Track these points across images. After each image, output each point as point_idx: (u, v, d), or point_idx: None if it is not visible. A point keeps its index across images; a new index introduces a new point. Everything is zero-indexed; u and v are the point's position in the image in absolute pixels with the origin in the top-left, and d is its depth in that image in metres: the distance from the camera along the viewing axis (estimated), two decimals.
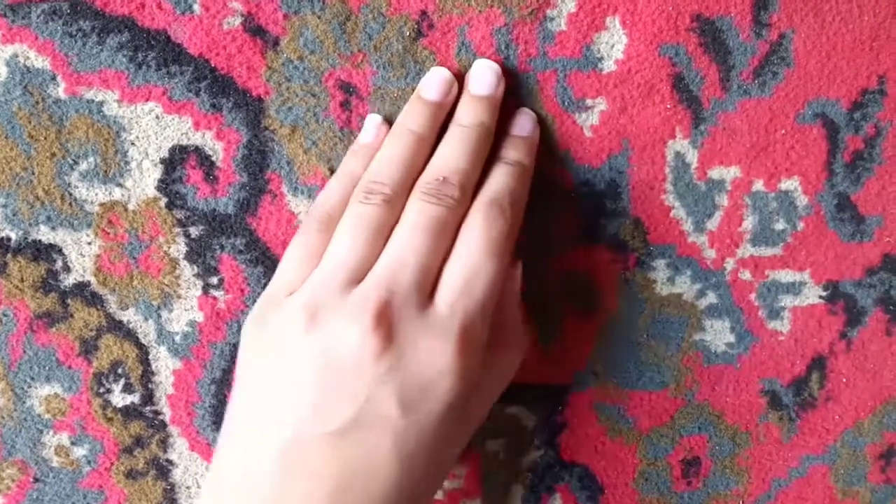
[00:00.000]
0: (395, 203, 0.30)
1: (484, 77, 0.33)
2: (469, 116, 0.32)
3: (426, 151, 0.32)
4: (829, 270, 0.37)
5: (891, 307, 0.38)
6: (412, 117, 0.32)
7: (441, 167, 0.31)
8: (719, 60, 0.34)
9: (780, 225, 0.36)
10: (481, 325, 0.29)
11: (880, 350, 0.38)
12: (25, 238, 0.34)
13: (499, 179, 0.32)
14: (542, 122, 0.34)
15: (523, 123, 0.33)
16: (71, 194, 0.34)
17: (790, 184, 0.36)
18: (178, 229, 0.34)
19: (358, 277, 0.29)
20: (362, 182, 0.31)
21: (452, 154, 0.31)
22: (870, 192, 0.36)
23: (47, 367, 0.36)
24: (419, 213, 0.30)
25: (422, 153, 0.32)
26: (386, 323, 0.28)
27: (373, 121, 0.33)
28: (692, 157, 0.35)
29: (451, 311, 0.29)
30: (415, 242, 0.29)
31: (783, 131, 0.35)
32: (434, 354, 0.28)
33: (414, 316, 0.28)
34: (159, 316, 0.35)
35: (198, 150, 0.34)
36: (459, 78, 0.33)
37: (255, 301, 0.34)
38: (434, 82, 0.32)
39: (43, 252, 0.34)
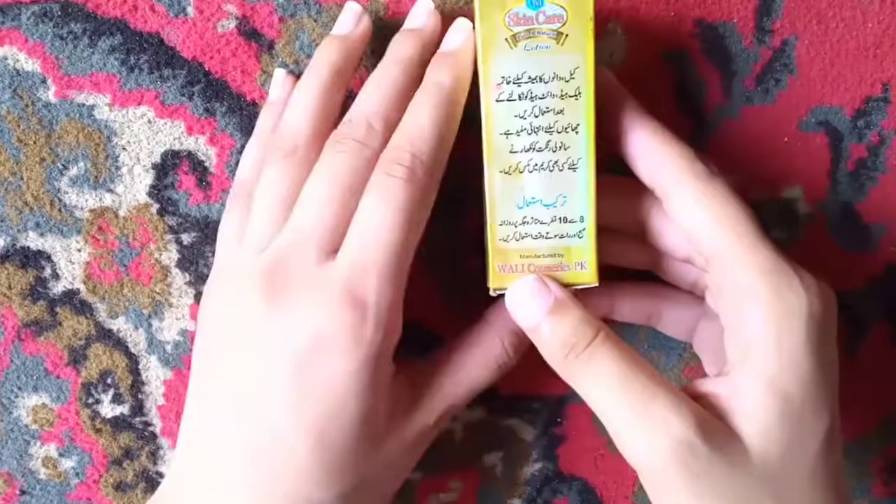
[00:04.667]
0: (305, 157, 0.29)
1: (416, 12, 0.31)
2: (393, 51, 0.30)
3: (340, 92, 0.30)
4: (832, 280, 0.37)
5: (895, 318, 0.37)
6: (320, 57, 0.30)
7: (356, 107, 0.30)
8: (722, 67, 0.33)
9: (782, 234, 0.36)
10: (377, 285, 0.28)
11: (885, 362, 0.38)
12: (13, 245, 0.33)
13: (412, 118, 0.29)
14: None
15: (449, 38, 0.30)
16: (60, 200, 0.33)
17: (792, 192, 0.35)
18: (169, 236, 0.34)
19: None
20: (270, 141, 0.30)
21: (369, 91, 0.30)
22: (873, 200, 0.36)
23: (35, 377, 0.35)
24: (320, 165, 0.29)
25: (331, 96, 0.30)
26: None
27: (280, 74, 0.32)
28: None
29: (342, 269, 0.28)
30: (320, 194, 0.28)
31: (786, 139, 0.35)
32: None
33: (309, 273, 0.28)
34: (150, 325, 0.35)
35: (190, 155, 0.33)
36: None
37: None
38: (343, 17, 0.31)
39: (31, 259, 0.34)
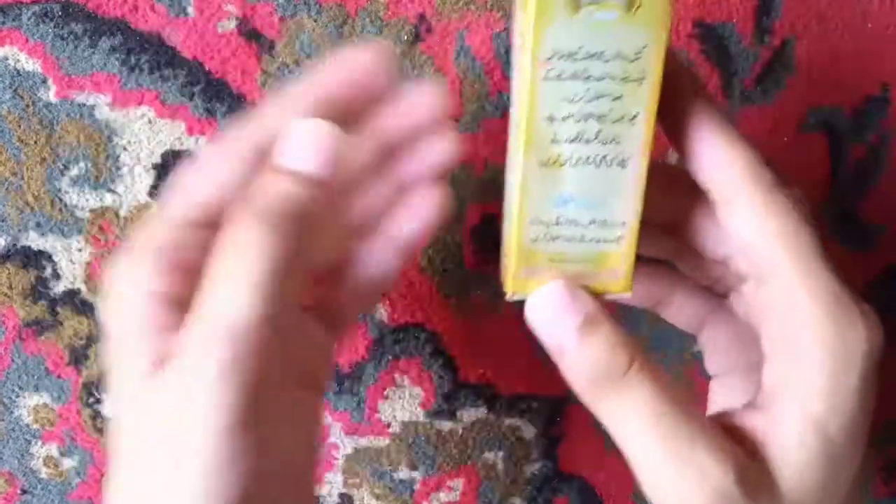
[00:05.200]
0: None
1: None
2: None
3: None
4: None
5: (894, 318, 0.37)
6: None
7: None
8: (721, 67, 0.33)
9: None
10: None
11: (884, 362, 0.38)
12: (14, 244, 0.34)
13: None
14: None
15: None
16: (61, 200, 0.33)
17: (791, 193, 0.35)
18: None
19: None
20: None
21: None
22: (873, 200, 0.36)
23: (36, 377, 0.35)
24: None
25: None
26: None
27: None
28: None
29: None
30: None
31: (785, 139, 0.35)
32: None
33: None
34: None
35: (191, 155, 0.33)
36: (457, 83, 0.33)
37: None
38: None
39: (32, 259, 0.34)
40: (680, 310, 0.31)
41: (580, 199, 0.25)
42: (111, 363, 0.25)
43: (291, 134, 0.25)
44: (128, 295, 0.25)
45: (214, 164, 0.26)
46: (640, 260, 0.30)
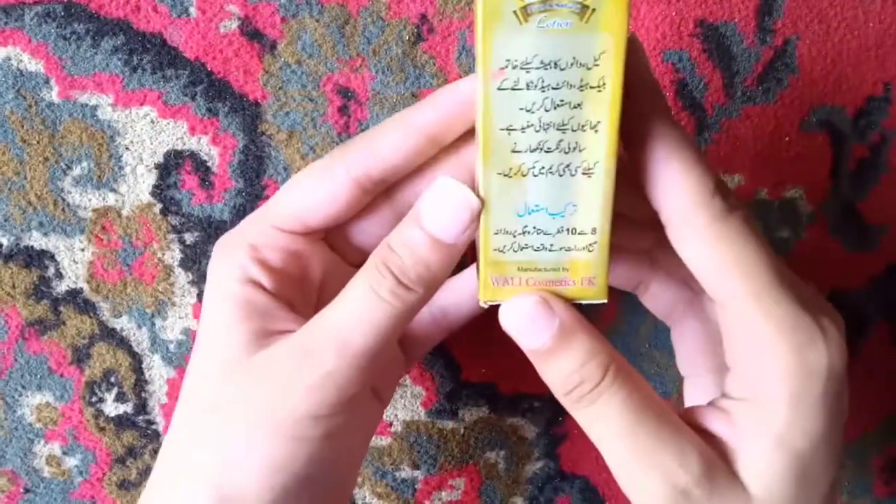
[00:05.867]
0: None
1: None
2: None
3: None
4: (833, 280, 0.37)
5: (895, 318, 0.37)
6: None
7: None
8: (723, 67, 0.33)
9: (784, 233, 0.36)
10: None
11: (885, 361, 0.38)
12: (17, 244, 0.34)
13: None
14: None
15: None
16: (64, 200, 0.33)
17: (794, 192, 0.35)
18: (172, 236, 0.34)
19: None
20: None
21: None
22: (875, 200, 0.36)
23: (39, 376, 0.35)
24: None
25: None
26: None
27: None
28: None
29: None
30: None
31: (787, 139, 0.35)
32: None
33: None
34: (153, 324, 0.35)
35: (193, 155, 0.33)
36: None
37: None
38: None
39: (35, 258, 0.34)
40: (655, 297, 0.31)
41: (546, 209, 0.24)
42: (200, 337, 0.28)
43: (441, 197, 0.25)
44: (225, 277, 0.27)
45: (319, 179, 0.28)
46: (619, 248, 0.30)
